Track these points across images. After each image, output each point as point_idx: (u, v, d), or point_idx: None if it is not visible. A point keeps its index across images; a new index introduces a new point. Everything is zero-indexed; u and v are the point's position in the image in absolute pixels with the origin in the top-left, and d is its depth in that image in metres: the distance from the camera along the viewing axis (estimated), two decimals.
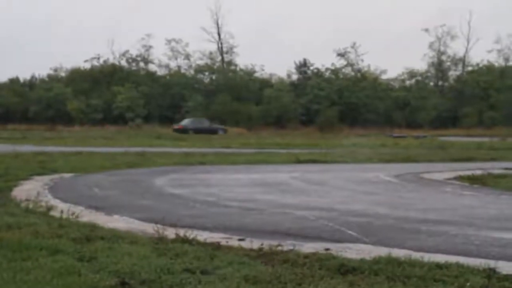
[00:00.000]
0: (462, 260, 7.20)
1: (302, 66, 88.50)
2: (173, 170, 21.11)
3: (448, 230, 9.62)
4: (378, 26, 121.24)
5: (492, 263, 6.96)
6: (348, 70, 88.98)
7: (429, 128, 72.77)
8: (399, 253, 7.48)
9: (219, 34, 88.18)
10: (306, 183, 17.74)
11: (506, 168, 21.83)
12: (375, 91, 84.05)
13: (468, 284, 6.17)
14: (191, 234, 8.48)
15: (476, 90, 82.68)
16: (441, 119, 79.89)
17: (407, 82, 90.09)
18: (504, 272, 6.71)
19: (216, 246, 8.05)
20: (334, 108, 76.85)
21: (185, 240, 8.26)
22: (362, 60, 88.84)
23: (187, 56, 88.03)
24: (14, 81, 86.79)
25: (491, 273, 6.62)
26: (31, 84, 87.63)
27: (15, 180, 16.38)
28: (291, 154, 29.39)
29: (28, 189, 14.74)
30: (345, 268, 6.77)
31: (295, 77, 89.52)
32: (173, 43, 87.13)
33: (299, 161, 25.73)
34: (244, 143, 42.29)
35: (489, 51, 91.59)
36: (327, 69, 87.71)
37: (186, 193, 14.44)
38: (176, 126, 61.85)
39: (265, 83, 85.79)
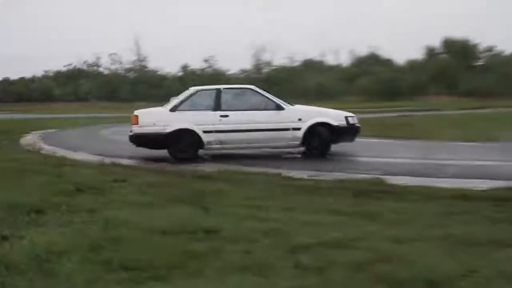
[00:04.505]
0: None
1: None
2: (115, 125, 24.69)
3: None
4: None
5: None
6: None
7: None
8: None
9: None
10: None
11: None
12: None
13: None
14: (118, 161, 11.09)
15: None
16: None
17: None
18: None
19: (133, 168, 10.31)
20: None
21: (115, 165, 10.45)
22: None
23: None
24: None
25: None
26: None
27: (21, 134, 20.28)
28: None
29: (29, 139, 18.23)
30: None
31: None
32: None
33: None
34: None
35: None
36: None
37: (119, 138, 16.34)
38: None
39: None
